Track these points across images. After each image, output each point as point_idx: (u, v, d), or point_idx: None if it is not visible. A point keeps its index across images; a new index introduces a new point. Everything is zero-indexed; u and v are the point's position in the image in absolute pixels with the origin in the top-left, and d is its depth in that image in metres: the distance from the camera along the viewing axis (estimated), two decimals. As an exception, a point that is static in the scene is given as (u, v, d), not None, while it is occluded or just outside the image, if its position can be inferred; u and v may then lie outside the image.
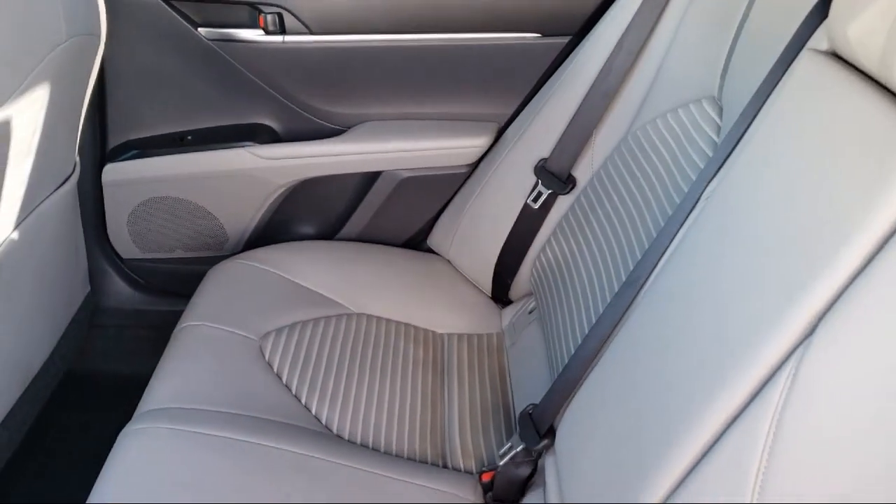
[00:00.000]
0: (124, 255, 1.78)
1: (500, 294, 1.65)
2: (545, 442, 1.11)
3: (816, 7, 0.95)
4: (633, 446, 0.88)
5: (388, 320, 1.54)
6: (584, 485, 0.96)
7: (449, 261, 1.73)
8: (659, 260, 1.02)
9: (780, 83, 0.92)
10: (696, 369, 0.84)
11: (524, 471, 1.14)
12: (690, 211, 1.01)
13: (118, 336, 1.81)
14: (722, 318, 0.83)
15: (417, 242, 1.80)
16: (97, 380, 1.74)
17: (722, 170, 0.98)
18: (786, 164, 0.84)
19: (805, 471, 0.70)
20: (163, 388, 1.22)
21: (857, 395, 0.68)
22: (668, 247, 1.02)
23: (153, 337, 1.61)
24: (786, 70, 0.91)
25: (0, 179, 1.16)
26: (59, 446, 1.61)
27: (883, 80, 0.77)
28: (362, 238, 1.77)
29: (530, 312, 1.56)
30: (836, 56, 0.87)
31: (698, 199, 1.01)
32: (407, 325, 1.54)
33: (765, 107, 0.93)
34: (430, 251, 1.79)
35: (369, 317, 1.53)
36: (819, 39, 0.91)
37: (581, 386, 1.07)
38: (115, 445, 1.13)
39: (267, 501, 1.06)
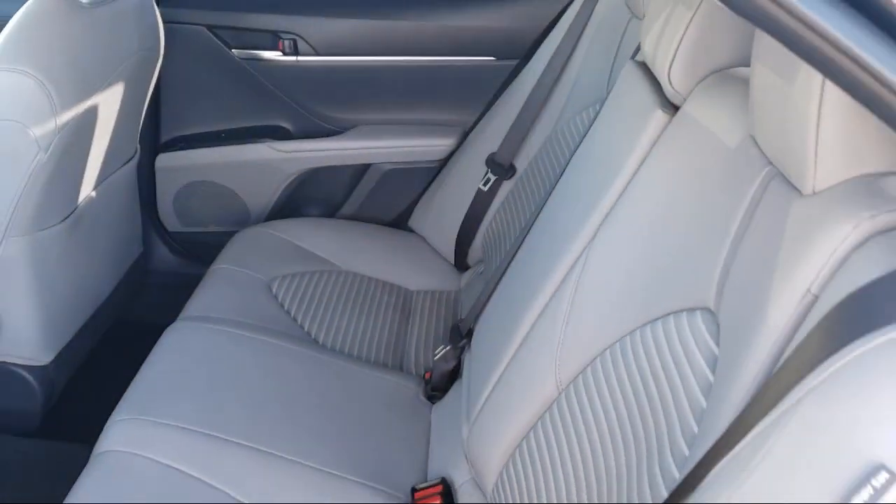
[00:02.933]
0: (169, 228, 2.24)
1: (460, 262, 2.08)
2: (464, 341, 1.55)
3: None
4: (507, 316, 1.32)
5: (370, 277, 1.97)
6: (480, 354, 1.40)
7: (423, 237, 2.18)
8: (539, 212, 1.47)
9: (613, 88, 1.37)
10: (543, 266, 1.28)
11: (450, 364, 1.57)
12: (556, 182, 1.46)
13: (161, 293, 2.25)
14: (558, 231, 1.27)
15: (400, 223, 2.24)
16: (141, 329, 2.12)
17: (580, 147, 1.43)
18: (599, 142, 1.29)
19: (587, 321, 1.13)
20: (198, 304, 1.68)
21: (615, 267, 1.12)
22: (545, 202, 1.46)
23: (189, 295, 2.03)
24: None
25: (87, 150, 1.64)
26: (106, 382, 1.79)
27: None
28: (356, 217, 2.22)
29: (480, 274, 2.00)
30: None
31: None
32: (385, 281, 1.98)
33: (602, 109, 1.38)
34: (411, 231, 2.23)
35: (355, 274, 1.97)
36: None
37: (491, 297, 1.51)
38: (159, 341, 1.57)
39: (273, 379, 1.49)
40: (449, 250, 2.10)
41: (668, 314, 0.96)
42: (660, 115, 1.12)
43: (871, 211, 0.65)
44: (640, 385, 0.96)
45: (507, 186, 1.96)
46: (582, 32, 1.86)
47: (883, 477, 0.49)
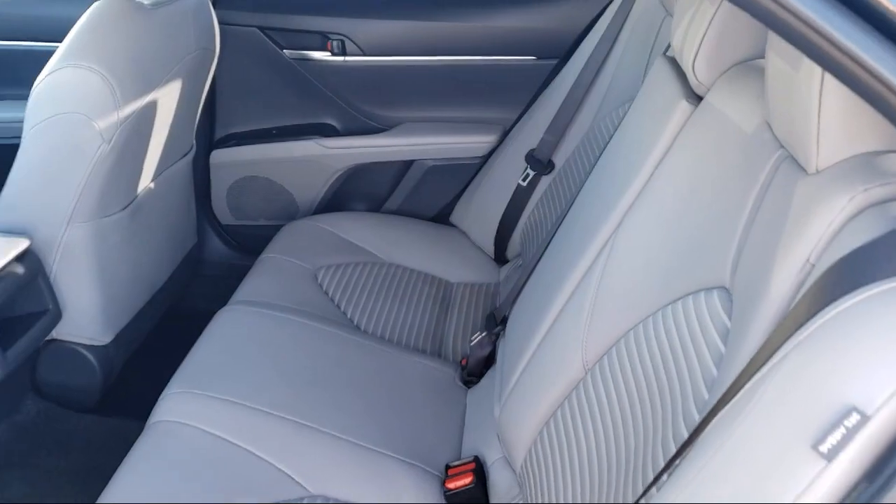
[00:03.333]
0: (222, 221, 2.34)
1: (500, 255, 2.14)
2: (499, 328, 1.61)
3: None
4: (537, 303, 1.37)
5: (411, 269, 2.04)
6: (513, 339, 1.45)
7: (464, 232, 2.24)
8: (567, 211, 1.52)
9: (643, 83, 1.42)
10: (572, 254, 1.33)
11: (486, 350, 1.63)
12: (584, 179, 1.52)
13: (213, 283, 2.35)
14: (586, 220, 1.32)
15: (442, 218, 2.31)
16: (193, 316, 2.18)
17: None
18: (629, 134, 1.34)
19: (612, 304, 1.18)
20: (247, 289, 1.77)
21: (638, 252, 1.16)
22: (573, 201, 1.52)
23: (239, 285, 2.12)
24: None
25: (147, 143, 1.74)
26: (160, 363, 1.83)
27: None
28: (399, 212, 2.29)
29: (518, 267, 2.05)
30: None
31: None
32: (426, 273, 2.05)
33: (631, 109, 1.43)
34: (453, 226, 2.30)
35: (398, 266, 2.04)
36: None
37: (524, 286, 1.57)
38: (211, 322, 1.66)
39: (317, 361, 1.57)
40: (489, 244, 2.16)
41: (688, 294, 1.01)
42: (684, 106, 1.16)
43: (865, 185, 0.69)
44: (660, 362, 1.00)
45: (545, 182, 2.02)
46: (619, 31, 1.90)
47: (854, 418, 0.54)
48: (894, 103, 0.57)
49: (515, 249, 2.11)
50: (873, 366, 0.55)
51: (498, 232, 2.12)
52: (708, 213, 1.02)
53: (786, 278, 0.73)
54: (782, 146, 0.87)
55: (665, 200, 1.14)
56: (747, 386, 0.64)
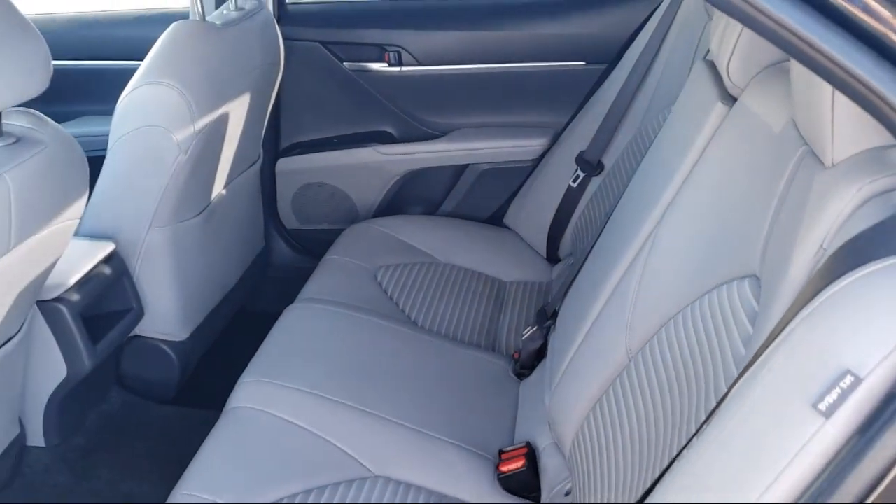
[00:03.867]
0: (287, 226, 2.47)
1: (552, 255, 2.22)
2: (550, 322, 1.69)
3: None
4: (585, 296, 1.45)
5: (466, 269, 2.13)
6: (563, 332, 1.53)
7: (517, 233, 2.33)
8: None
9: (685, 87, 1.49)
10: (616, 250, 1.41)
11: (537, 343, 1.71)
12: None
13: (279, 285, 2.48)
14: (630, 218, 1.40)
15: (496, 219, 2.39)
16: (261, 316, 2.15)
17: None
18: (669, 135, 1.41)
19: (653, 295, 1.26)
20: (313, 288, 1.89)
21: (677, 246, 1.24)
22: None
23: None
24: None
25: (219, 152, 1.87)
26: (232, 359, 1.89)
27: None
28: (454, 215, 2.39)
29: (570, 265, 2.13)
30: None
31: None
32: (480, 273, 2.14)
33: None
34: (506, 227, 2.38)
35: (453, 266, 2.13)
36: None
37: (573, 282, 1.65)
38: (280, 318, 1.78)
39: (378, 353, 1.68)
40: (541, 244, 2.24)
41: (722, 284, 1.08)
42: (720, 107, 1.23)
43: (872, 176, 0.76)
44: (696, 345, 1.08)
45: (595, 183, 2.09)
46: (665, 36, 1.97)
47: (848, 380, 0.61)
48: (885, 110, 0.64)
49: (567, 248, 2.18)
50: (866, 334, 0.62)
51: (550, 232, 2.20)
52: (740, 206, 1.08)
53: (803, 263, 0.80)
54: (805, 143, 0.94)
55: (702, 196, 1.21)
56: (761, 358, 0.72)
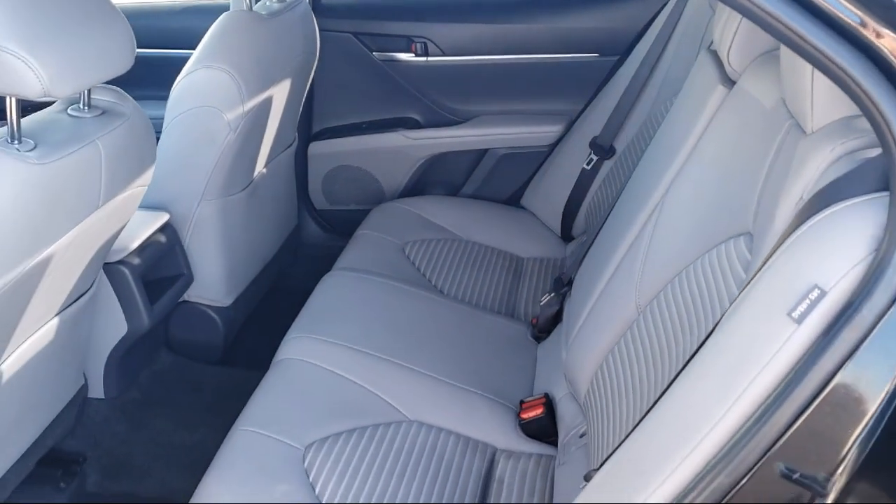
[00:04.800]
0: (318, 207, 2.63)
1: (566, 233, 2.38)
2: (566, 289, 1.85)
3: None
4: (598, 261, 1.61)
5: (486, 245, 2.29)
6: (577, 294, 1.69)
7: (534, 213, 2.49)
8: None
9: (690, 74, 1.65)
10: (627, 218, 1.57)
11: (554, 308, 1.87)
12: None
13: (310, 262, 2.64)
14: (640, 190, 1.56)
15: (514, 201, 2.56)
16: (293, 291, 2.27)
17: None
18: (676, 116, 1.57)
19: (661, 256, 1.42)
20: (347, 258, 2.05)
21: (682, 212, 1.40)
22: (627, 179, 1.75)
23: (332, 265, 2.37)
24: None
25: (262, 132, 2.04)
26: (270, 327, 2.07)
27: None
28: (474, 196, 2.55)
29: (583, 243, 2.29)
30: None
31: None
32: (499, 249, 2.30)
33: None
34: (523, 208, 2.54)
35: (474, 242, 2.29)
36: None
37: (589, 250, 1.81)
38: (319, 284, 1.95)
39: (410, 315, 1.84)
40: (556, 223, 2.40)
41: (721, 243, 1.24)
42: (721, 90, 1.39)
43: (842, 139, 0.91)
44: (698, 295, 1.23)
45: (607, 166, 2.25)
46: (673, 30, 2.13)
47: (816, 292, 0.77)
48: (851, 86, 0.79)
49: (580, 228, 2.34)
50: (831, 257, 0.78)
51: (564, 212, 2.36)
52: (737, 175, 1.24)
53: (786, 214, 0.96)
54: (792, 117, 1.10)
55: (704, 168, 1.37)
56: (746, 288, 0.88)
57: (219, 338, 2.07)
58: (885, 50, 0.79)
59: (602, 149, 2.26)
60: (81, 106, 1.33)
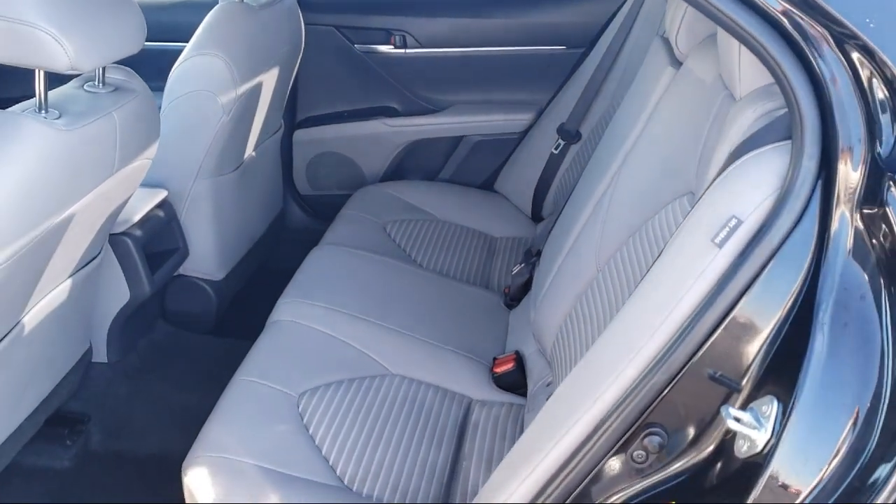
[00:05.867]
0: (301, 192, 2.78)
1: (536, 214, 2.55)
2: (535, 259, 2.02)
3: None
4: (565, 229, 1.78)
5: (461, 225, 2.45)
6: (545, 262, 1.86)
7: (506, 196, 2.65)
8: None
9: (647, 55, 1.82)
10: (588, 189, 1.73)
11: (524, 277, 2.03)
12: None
13: (293, 245, 2.76)
14: (601, 163, 1.73)
15: (487, 185, 2.72)
16: (278, 272, 2.35)
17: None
18: (631, 96, 1.74)
19: (617, 221, 1.58)
20: (333, 235, 2.20)
21: (635, 180, 1.56)
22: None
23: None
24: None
25: (252, 117, 2.18)
26: (258, 301, 2.16)
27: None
28: (450, 180, 2.71)
29: (553, 222, 2.46)
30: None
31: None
32: (474, 229, 2.46)
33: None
34: (496, 192, 2.70)
35: (451, 223, 2.45)
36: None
37: (555, 223, 1.97)
38: (308, 256, 2.09)
39: (392, 284, 1.99)
40: (527, 205, 2.57)
41: (668, 204, 1.41)
42: (669, 70, 1.56)
43: (762, 102, 1.08)
44: (648, 250, 1.40)
45: (573, 150, 2.42)
46: (634, 22, 2.30)
47: (734, 221, 0.93)
48: (767, 58, 0.96)
49: (549, 209, 2.51)
50: (747, 193, 0.94)
51: (535, 194, 2.53)
52: (682, 144, 1.41)
53: (715, 168, 1.13)
54: (726, 88, 1.27)
55: (654, 140, 1.54)
56: (681, 225, 1.05)
57: (212, 309, 2.21)
58: (789, 27, 0.96)
59: (569, 134, 2.43)
60: (97, 83, 1.47)
